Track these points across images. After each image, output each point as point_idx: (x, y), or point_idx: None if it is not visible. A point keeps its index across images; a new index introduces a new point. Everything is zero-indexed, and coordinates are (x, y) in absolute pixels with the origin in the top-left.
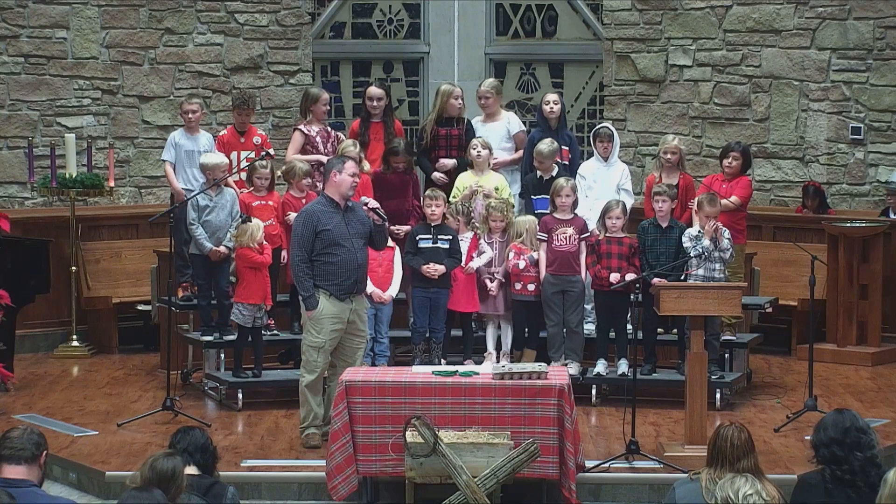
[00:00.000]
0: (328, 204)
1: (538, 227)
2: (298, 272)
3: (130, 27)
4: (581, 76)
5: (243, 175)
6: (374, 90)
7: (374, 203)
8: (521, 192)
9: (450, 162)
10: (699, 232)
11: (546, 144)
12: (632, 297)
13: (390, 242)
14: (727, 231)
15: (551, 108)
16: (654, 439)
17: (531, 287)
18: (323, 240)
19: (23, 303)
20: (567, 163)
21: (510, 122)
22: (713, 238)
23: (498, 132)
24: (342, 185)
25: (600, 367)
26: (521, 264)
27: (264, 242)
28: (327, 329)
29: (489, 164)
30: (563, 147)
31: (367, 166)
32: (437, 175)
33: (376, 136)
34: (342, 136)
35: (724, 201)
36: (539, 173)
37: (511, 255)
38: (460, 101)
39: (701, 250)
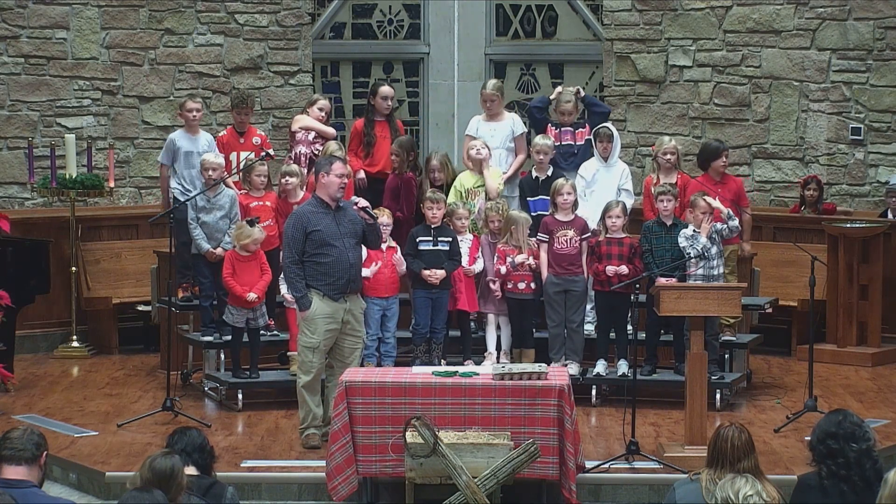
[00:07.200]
0: (318, 205)
1: (539, 229)
2: (290, 273)
3: (130, 28)
4: (581, 77)
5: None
6: (387, 89)
7: (363, 202)
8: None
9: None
10: (694, 232)
11: (543, 138)
12: (632, 297)
13: (392, 242)
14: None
15: (569, 109)
16: (654, 440)
17: (521, 286)
18: (314, 240)
19: (23, 303)
20: (582, 143)
21: (514, 122)
22: (710, 235)
23: (503, 132)
24: (330, 187)
25: (600, 367)
26: (503, 269)
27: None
28: (321, 329)
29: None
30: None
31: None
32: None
33: (382, 134)
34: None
35: (738, 219)
36: (535, 174)
37: (496, 259)
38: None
39: (700, 249)
